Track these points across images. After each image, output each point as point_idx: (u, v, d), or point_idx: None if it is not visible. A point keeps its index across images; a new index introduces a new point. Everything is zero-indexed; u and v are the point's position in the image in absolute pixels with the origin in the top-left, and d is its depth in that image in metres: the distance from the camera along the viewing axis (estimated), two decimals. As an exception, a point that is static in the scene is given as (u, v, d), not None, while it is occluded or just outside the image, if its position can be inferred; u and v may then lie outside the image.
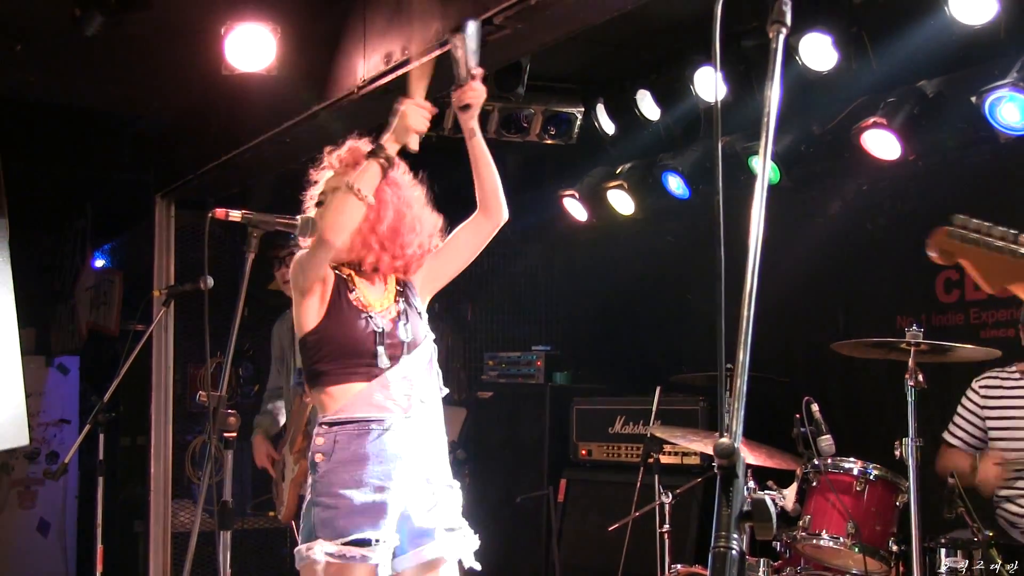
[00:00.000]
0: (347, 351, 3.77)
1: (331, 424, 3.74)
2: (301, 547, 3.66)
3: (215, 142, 7.05)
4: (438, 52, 5.00)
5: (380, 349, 3.78)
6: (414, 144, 3.84)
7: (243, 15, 5.78)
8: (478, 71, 3.89)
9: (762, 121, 2.07)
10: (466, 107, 3.91)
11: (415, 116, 3.80)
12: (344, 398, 3.75)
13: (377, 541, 3.64)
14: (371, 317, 3.82)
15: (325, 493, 3.67)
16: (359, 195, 3.71)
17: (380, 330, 3.81)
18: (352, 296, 3.84)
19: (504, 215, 4.08)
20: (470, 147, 3.99)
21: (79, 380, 9.59)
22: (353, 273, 3.90)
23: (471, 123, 3.95)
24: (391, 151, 3.80)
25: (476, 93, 3.90)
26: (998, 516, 5.14)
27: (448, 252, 4.11)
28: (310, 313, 3.80)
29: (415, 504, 3.78)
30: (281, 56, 5.80)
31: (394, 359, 3.81)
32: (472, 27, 3.86)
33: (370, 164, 3.76)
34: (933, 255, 2.09)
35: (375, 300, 3.88)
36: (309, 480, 3.77)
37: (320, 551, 3.60)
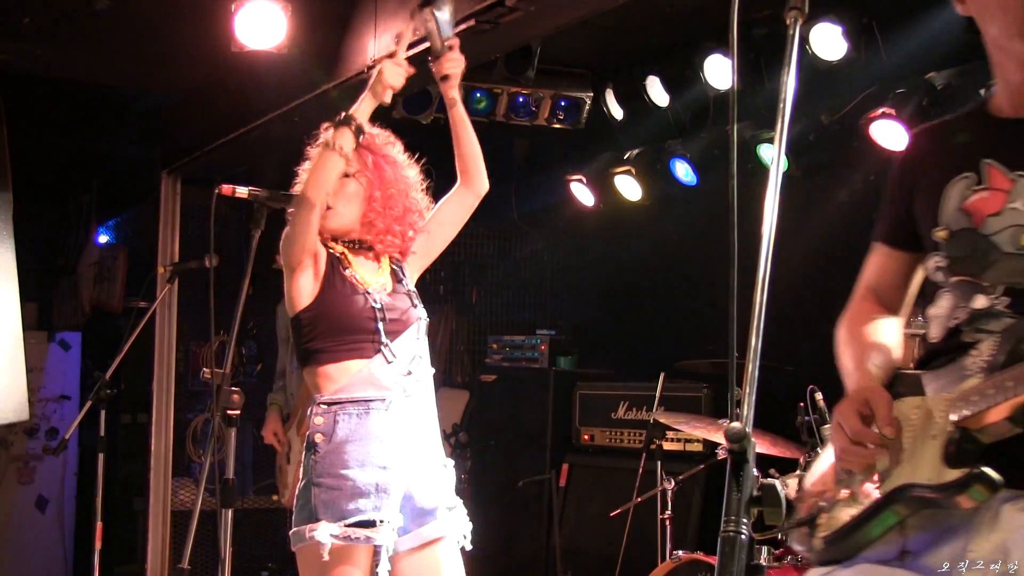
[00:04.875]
0: (345, 327, 3.75)
1: (330, 403, 3.71)
2: (302, 528, 3.62)
3: (223, 119, 7.04)
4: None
5: (380, 326, 3.77)
6: (387, 99, 3.85)
7: (253, -8, 5.76)
8: (454, 41, 3.94)
9: (777, 108, 2.07)
10: (445, 77, 3.97)
11: (391, 72, 3.81)
12: (343, 377, 3.73)
13: (382, 522, 3.63)
14: (368, 293, 3.80)
15: (327, 474, 3.64)
16: (338, 150, 3.70)
17: (379, 306, 3.79)
18: (347, 273, 3.82)
19: (485, 185, 4.12)
20: (451, 116, 4.05)
21: (80, 356, 9.58)
22: (347, 251, 3.89)
23: (451, 92, 4.01)
24: (364, 113, 3.80)
25: (454, 63, 3.96)
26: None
27: (434, 229, 4.12)
28: (303, 290, 3.78)
29: (417, 483, 3.77)
30: (291, 34, 5.78)
31: (393, 335, 3.79)
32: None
33: (342, 130, 3.75)
34: None
35: (370, 278, 3.87)
36: (305, 460, 3.74)
37: (325, 533, 3.56)
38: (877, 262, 2.84)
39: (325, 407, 3.71)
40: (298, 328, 3.83)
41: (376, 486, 3.65)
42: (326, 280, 3.79)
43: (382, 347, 3.76)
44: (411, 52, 4.23)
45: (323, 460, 3.67)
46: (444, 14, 3.89)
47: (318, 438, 3.69)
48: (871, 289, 2.83)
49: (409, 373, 3.81)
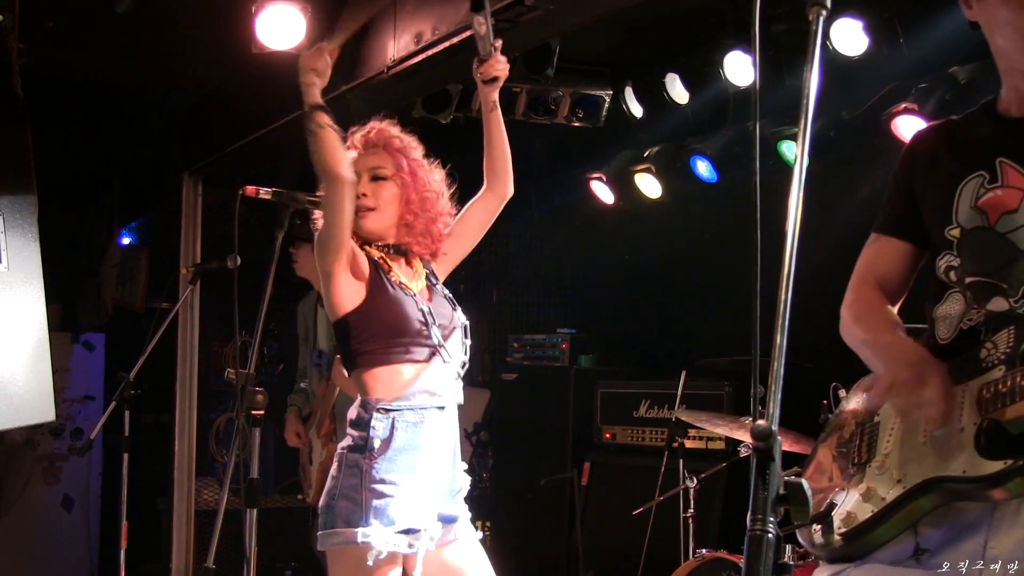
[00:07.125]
0: (397, 331, 3.72)
1: (388, 409, 3.67)
2: (347, 530, 3.57)
3: (243, 121, 7.05)
4: (469, 32, 5.01)
5: (434, 330, 3.76)
6: (312, 80, 3.76)
7: (274, -6, 5.78)
8: (498, 43, 3.91)
9: (801, 104, 2.06)
10: (493, 80, 3.95)
11: (307, 56, 3.76)
12: (396, 381, 3.70)
13: (424, 530, 3.64)
14: (415, 296, 3.80)
15: (380, 480, 3.61)
16: (315, 129, 3.66)
17: (427, 309, 3.79)
18: (392, 277, 3.81)
19: (510, 189, 4.11)
20: (489, 119, 4.04)
21: (104, 357, 9.61)
22: (385, 256, 3.89)
23: (494, 95, 3.99)
24: (309, 98, 3.73)
25: (503, 66, 3.94)
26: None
27: (460, 232, 4.10)
28: (347, 292, 3.72)
29: (446, 489, 3.78)
30: (311, 35, 5.79)
31: (441, 340, 3.80)
32: (487, 3, 3.87)
33: (309, 117, 3.70)
34: None
35: (411, 282, 3.86)
36: (352, 461, 3.67)
37: (379, 538, 3.54)
38: (879, 251, 2.86)
39: (384, 412, 3.68)
40: (344, 331, 3.77)
41: (423, 493, 3.66)
42: (372, 282, 3.75)
43: (439, 349, 3.75)
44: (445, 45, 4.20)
45: (378, 466, 3.63)
46: (490, 18, 3.87)
47: (376, 443, 3.65)
48: (873, 276, 2.84)
49: (457, 377, 3.82)
